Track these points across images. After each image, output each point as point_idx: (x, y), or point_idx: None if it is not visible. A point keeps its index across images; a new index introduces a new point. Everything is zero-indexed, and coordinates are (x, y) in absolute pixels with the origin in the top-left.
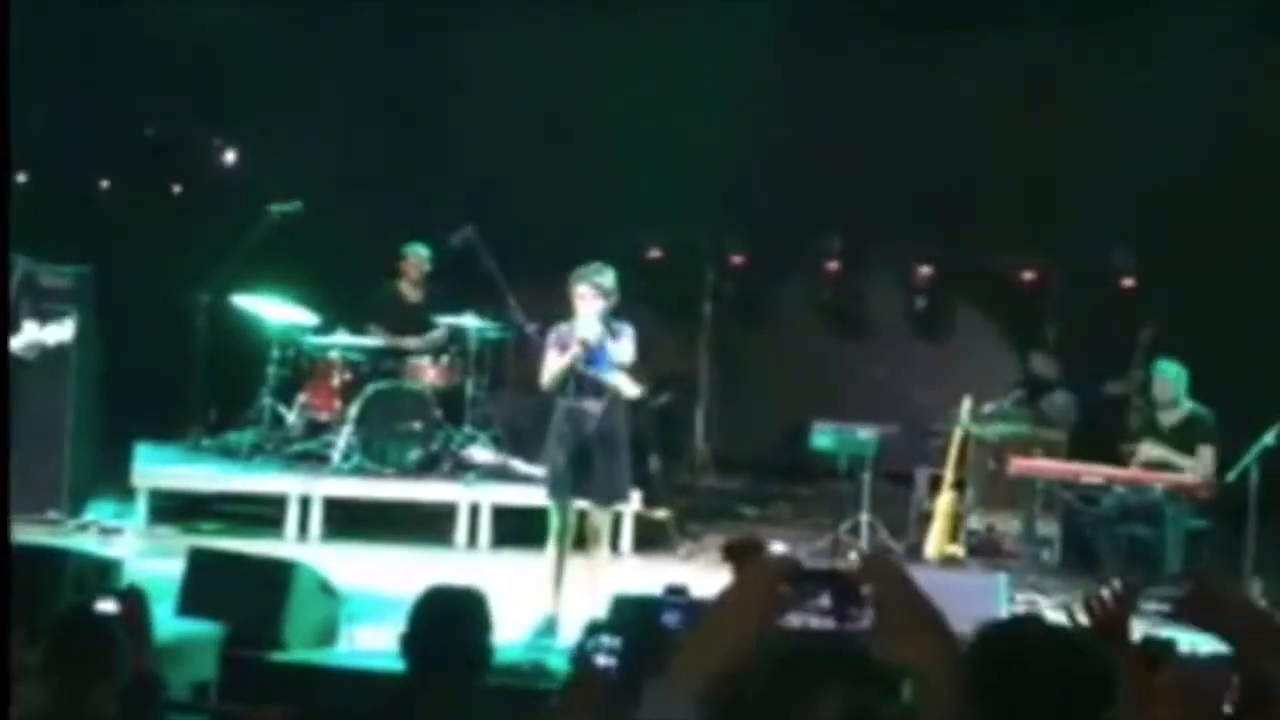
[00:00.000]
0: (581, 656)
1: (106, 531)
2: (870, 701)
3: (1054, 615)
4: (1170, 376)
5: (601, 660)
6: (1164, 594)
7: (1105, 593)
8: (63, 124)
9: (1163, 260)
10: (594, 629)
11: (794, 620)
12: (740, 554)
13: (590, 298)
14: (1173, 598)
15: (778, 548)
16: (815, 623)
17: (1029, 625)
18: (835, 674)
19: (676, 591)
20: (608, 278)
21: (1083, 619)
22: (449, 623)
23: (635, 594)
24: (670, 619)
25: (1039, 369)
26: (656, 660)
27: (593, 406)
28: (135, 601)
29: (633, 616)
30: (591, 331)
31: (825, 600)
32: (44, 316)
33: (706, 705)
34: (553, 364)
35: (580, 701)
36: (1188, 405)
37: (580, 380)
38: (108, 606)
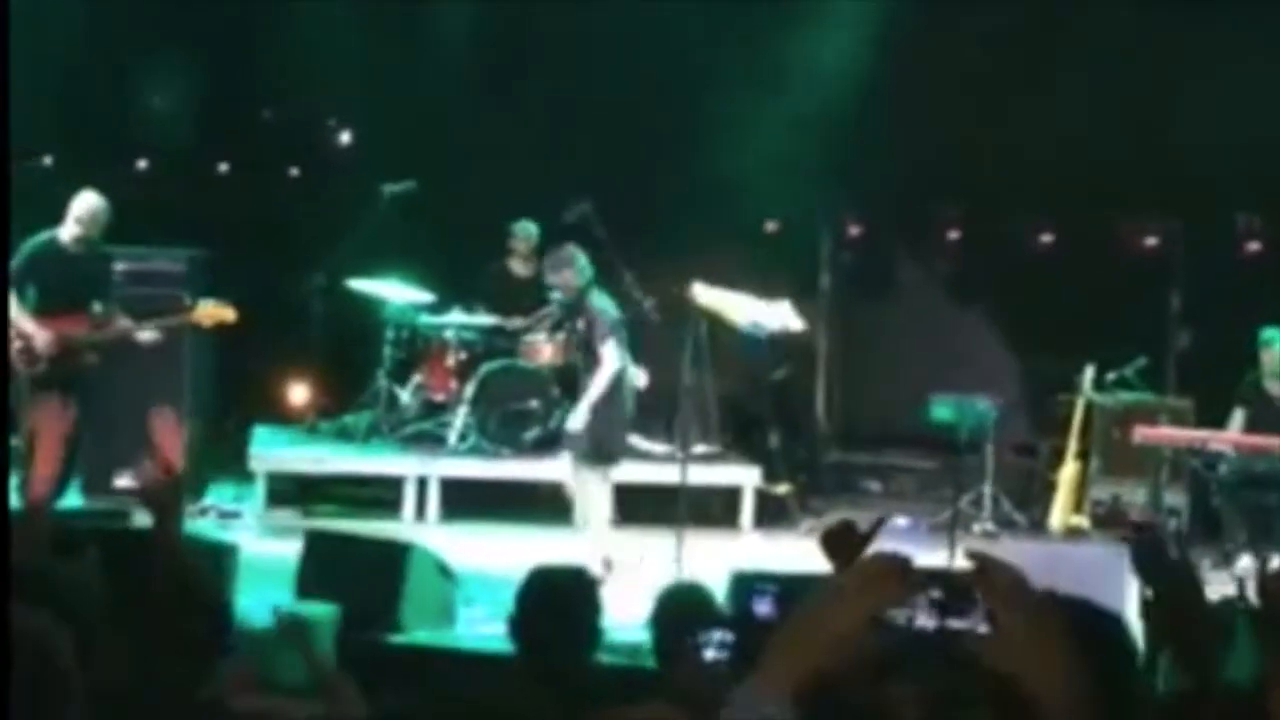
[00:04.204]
0: (689, 650)
1: (225, 515)
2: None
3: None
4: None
5: (712, 654)
6: None
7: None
8: (180, 109)
9: None
10: (669, 602)
11: (899, 615)
12: (837, 543)
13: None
14: None
15: (900, 522)
16: (921, 619)
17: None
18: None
19: (751, 578)
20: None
21: (1253, 597)
22: (555, 604)
23: (754, 572)
24: (761, 607)
25: None
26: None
27: None
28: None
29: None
30: None
31: (934, 595)
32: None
33: (800, 706)
34: None
35: (685, 696)
36: None
37: None
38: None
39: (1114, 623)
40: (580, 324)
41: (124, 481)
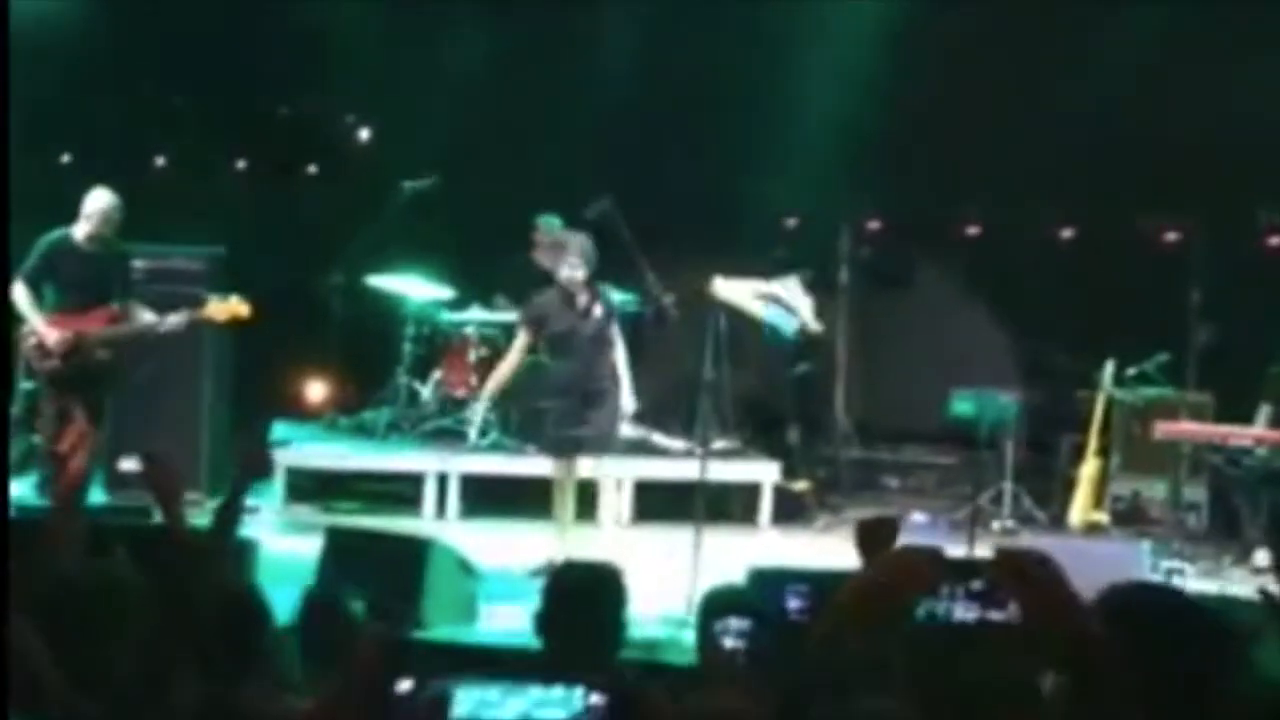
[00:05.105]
0: (710, 639)
1: (244, 511)
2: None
3: (1200, 584)
4: None
5: (730, 643)
6: None
7: None
8: (199, 107)
9: None
10: (713, 603)
11: (939, 606)
12: (872, 537)
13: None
14: None
15: (918, 518)
16: (960, 610)
17: (1154, 590)
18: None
19: (770, 575)
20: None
21: None
22: (582, 599)
23: (772, 568)
24: (793, 603)
25: None
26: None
27: None
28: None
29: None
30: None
31: (974, 586)
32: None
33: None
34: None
35: (713, 684)
36: None
37: None
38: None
39: (1200, 612)
40: (597, 311)
41: (128, 465)
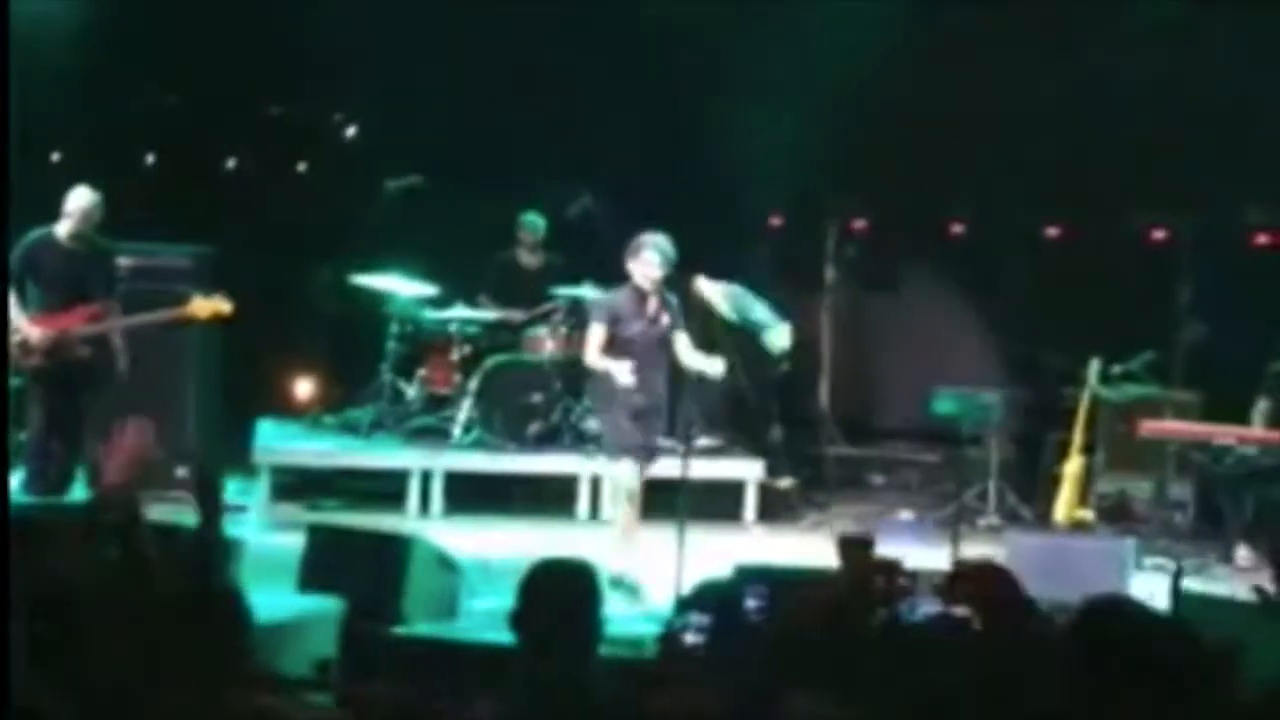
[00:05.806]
0: (669, 635)
1: (229, 509)
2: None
3: (1185, 581)
4: None
5: (690, 638)
6: None
7: None
8: (189, 105)
9: None
10: (683, 605)
11: (903, 605)
12: (852, 551)
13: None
14: None
15: (904, 516)
16: (924, 606)
17: (1128, 606)
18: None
19: (754, 572)
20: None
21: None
22: (558, 597)
23: (756, 565)
24: (751, 603)
25: None
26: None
27: None
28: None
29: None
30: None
31: (936, 582)
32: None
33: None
34: None
35: (670, 678)
36: None
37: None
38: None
39: (1167, 628)
40: (665, 319)
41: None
